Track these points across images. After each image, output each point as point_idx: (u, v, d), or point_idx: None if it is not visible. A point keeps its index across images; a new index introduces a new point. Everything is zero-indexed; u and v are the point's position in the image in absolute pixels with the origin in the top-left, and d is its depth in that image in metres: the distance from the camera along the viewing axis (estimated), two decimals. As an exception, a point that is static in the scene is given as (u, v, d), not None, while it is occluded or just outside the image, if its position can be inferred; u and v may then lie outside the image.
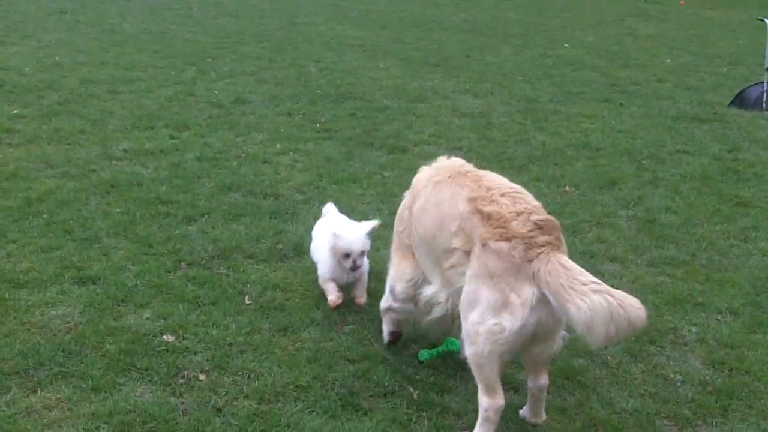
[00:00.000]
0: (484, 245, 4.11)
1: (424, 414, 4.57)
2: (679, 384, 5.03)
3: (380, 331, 5.27)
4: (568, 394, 4.87)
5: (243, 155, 9.10)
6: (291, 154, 9.30)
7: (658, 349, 5.44)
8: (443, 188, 4.58)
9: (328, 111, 11.31)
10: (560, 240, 4.16)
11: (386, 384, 4.79)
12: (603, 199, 8.35)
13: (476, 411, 4.57)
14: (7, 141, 9.28)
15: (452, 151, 9.86)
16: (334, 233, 5.54)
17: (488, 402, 4.21)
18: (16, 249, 6.55)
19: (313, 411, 4.53)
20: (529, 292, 3.97)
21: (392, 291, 5.03)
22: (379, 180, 8.57)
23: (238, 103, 11.52)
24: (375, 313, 5.38)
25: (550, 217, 4.20)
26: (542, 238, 4.05)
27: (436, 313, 4.68)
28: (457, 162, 4.87)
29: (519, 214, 4.13)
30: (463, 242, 4.27)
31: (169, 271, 6.16)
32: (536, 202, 4.29)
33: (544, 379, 4.41)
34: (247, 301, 5.74)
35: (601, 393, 4.88)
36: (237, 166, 8.72)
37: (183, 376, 4.82)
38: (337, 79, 13.43)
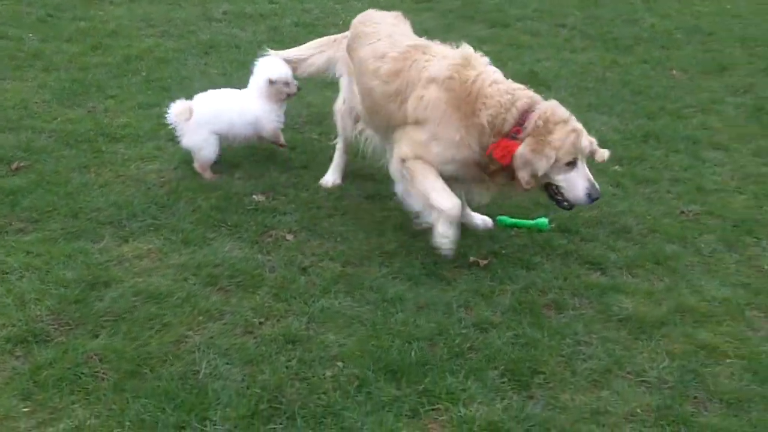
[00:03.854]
0: None
1: (508, 288, 4.53)
2: (773, 276, 4.87)
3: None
4: (657, 279, 4.75)
5: (341, 22, 8.95)
6: (389, 23, 9.10)
7: (755, 240, 5.24)
8: None
9: (428, -19, 10.98)
10: None
11: (470, 256, 4.75)
12: (711, 85, 7.96)
13: (561, 288, 4.53)
14: (109, 0, 9.34)
15: (556, 28, 9.57)
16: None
17: None
18: (114, 104, 6.66)
19: (396, 277, 4.54)
20: None
21: None
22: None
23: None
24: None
25: None
26: None
27: None
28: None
29: None
30: None
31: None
32: None
33: None
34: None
35: (692, 280, 4.75)
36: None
37: (271, 236, 4.87)
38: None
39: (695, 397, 3.81)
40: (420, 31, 5.35)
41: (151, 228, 4.83)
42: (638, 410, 3.70)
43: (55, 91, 6.74)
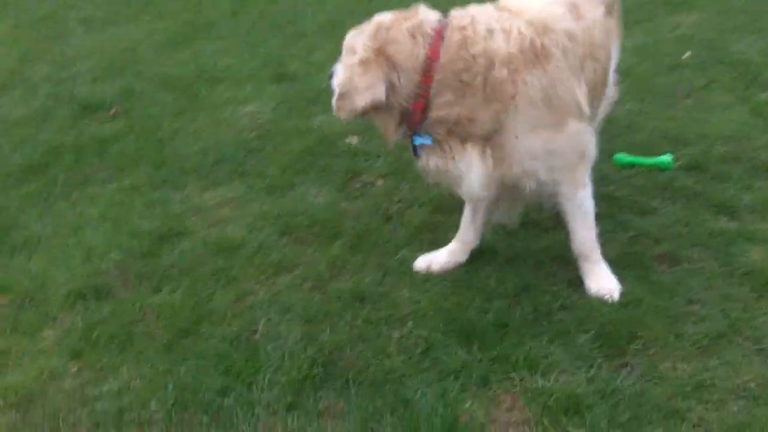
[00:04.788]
0: None
1: (616, 237, 4.00)
2: None
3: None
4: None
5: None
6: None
7: None
8: None
9: None
10: None
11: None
12: None
13: (679, 237, 3.97)
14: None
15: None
16: None
17: None
18: (223, 45, 6.50)
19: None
20: None
21: None
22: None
23: None
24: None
25: None
26: None
27: None
28: None
29: None
30: None
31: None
32: None
33: None
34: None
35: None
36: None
37: (360, 181, 4.55)
38: None
39: (825, 370, 3.20)
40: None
41: (236, 174, 4.63)
42: (751, 384, 3.13)
43: (165, 35, 6.67)
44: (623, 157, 4.62)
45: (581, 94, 3.35)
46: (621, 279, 3.68)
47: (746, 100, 5.32)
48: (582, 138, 3.42)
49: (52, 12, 8.13)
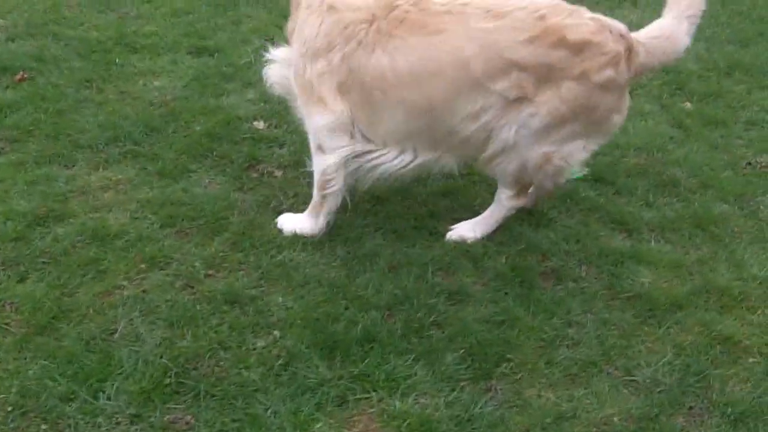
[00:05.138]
0: None
1: (504, 250, 3.92)
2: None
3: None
4: (692, 247, 4.06)
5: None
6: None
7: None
8: None
9: None
10: None
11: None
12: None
13: (568, 253, 3.90)
14: None
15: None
16: None
17: None
18: (148, 10, 6.28)
19: (380, 229, 3.99)
20: None
21: None
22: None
23: None
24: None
25: None
26: None
27: None
28: None
29: None
30: None
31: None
32: None
33: None
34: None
35: (735, 251, 4.01)
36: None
37: (258, 170, 4.41)
38: None
39: (691, 407, 3.14)
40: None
41: (129, 155, 4.45)
42: (614, 418, 3.08)
43: (93, -7, 6.41)
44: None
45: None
46: (502, 296, 3.61)
47: (669, 109, 5.25)
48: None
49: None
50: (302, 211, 3.95)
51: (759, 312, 3.63)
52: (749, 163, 4.72)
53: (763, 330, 3.53)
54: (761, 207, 4.34)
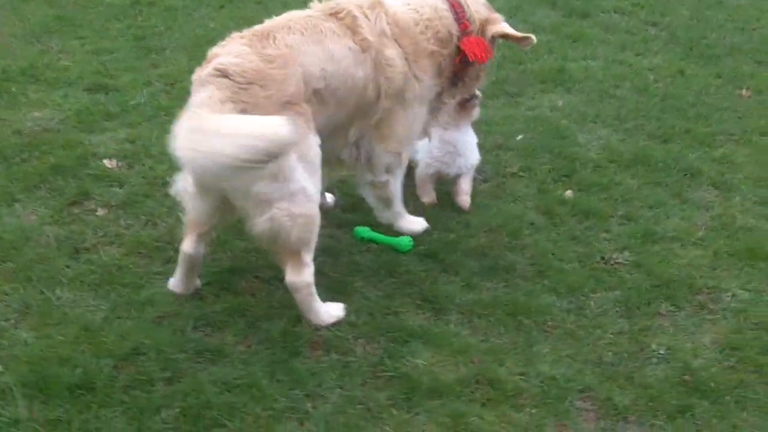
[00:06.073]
0: None
1: (284, 313, 3.77)
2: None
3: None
4: (483, 333, 3.83)
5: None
6: None
7: (672, 309, 4.12)
8: None
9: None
10: None
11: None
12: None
13: (354, 327, 3.73)
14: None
15: (644, 26, 8.22)
16: None
17: None
18: (74, 46, 6.42)
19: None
20: None
21: None
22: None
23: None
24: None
25: None
26: None
27: None
28: None
29: None
30: None
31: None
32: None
33: None
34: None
35: (536, 346, 3.78)
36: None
37: (83, 207, 4.37)
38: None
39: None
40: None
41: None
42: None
43: (30, 26, 6.56)
44: (363, 230, 4.40)
45: None
46: (258, 359, 3.46)
47: (545, 195, 5.04)
48: None
49: None
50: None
51: (526, 410, 3.40)
52: (603, 258, 4.49)
53: (519, 429, 3.30)
54: (591, 304, 4.10)
